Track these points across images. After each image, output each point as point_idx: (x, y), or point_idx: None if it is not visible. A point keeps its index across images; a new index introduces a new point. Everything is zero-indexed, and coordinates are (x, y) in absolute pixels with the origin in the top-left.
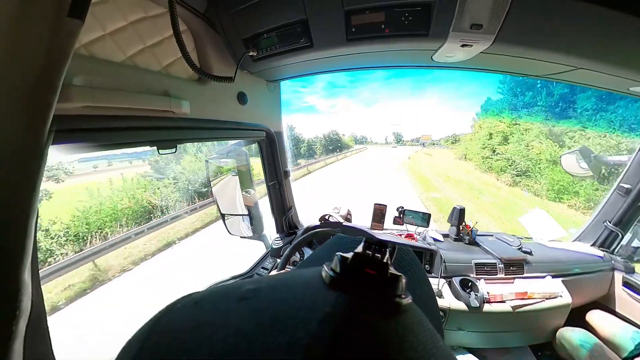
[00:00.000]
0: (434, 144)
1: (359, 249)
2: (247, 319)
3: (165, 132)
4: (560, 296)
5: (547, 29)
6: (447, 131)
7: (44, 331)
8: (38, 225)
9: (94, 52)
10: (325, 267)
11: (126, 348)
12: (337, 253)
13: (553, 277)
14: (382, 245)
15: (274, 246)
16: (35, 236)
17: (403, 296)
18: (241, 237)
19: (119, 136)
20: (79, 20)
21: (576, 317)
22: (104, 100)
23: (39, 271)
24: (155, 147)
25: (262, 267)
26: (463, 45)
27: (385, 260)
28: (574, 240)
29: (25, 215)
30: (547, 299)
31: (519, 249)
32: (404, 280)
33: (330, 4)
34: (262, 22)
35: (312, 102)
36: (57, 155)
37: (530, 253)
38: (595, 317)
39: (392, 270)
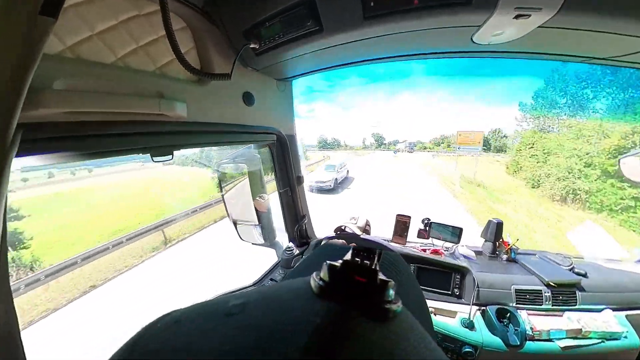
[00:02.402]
0: (424, 147)
1: (348, 256)
2: (232, 338)
3: (160, 138)
4: (625, 337)
5: None
6: (434, 133)
7: (15, 348)
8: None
9: (80, 54)
10: (314, 276)
11: None
12: (325, 261)
13: (614, 310)
14: (371, 251)
15: (285, 257)
16: (4, 252)
17: (393, 302)
18: (253, 244)
19: (108, 143)
20: (51, 18)
21: None
22: (89, 105)
23: (10, 286)
24: (148, 155)
25: (271, 279)
26: (518, 17)
27: (374, 267)
28: None
29: None
30: (607, 339)
31: (570, 269)
32: (393, 285)
33: None
34: (263, 8)
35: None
36: (35, 165)
37: (585, 275)
38: None
39: (381, 276)
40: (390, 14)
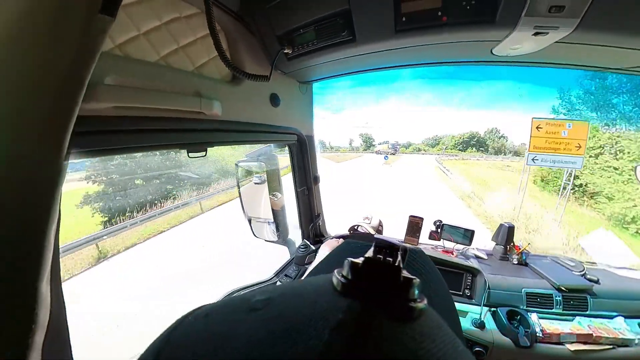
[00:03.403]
0: (418, 148)
1: (369, 253)
2: (257, 330)
3: (196, 135)
4: (637, 344)
5: None
6: (426, 133)
7: (64, 343)
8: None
9: (128, 52)
10: (335, 273)
11: None
12: (347, 259)
13: (626, 318)
14: (393, 248)
15: (299, 254)
16: (57, 245)
17: (418, 300)
18: (266, 240)
19: (149, 138)
20: (110, 17)
21: None
22: (136, 100)
23: (61, 282)
24: (185, 150)
25: (286, 275)
26: (536, 34)
27: (397, 264)
28: None
29: (44, 223)
30: (618, 346)
31: (582, 274)
32: (417, 283)
33: None
34: (299, 16)
35: None
36: (87, 157)
37: (597, 282)
38: None
39: (405, 273)
40: (420, 29)
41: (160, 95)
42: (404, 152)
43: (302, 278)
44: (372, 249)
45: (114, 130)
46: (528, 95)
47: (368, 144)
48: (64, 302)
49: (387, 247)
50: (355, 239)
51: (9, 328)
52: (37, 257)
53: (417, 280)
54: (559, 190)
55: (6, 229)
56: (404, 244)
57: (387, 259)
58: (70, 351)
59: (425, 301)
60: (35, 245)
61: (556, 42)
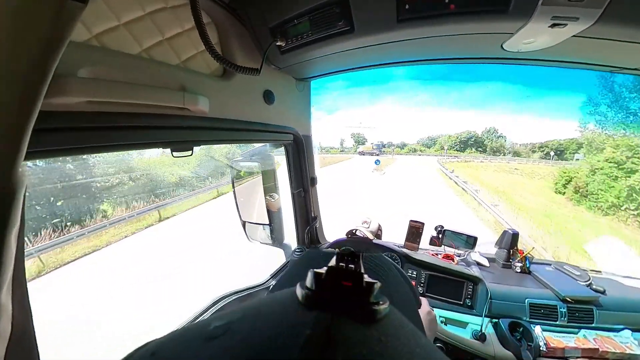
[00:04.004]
0: (414, 149)
1: (332, 262)
2: None
3: (181, 133)
4: None
5: None
6: (420, 134)
7: (30, 352)
8: None
9: (107, 43)
10: (299, 286)
11: None
12: (310, 269)
13: (634, 331)
14: (355, 255)
15: (294, 258)
16: (21, 251)
17: (381, 302)
18: (261, 243)
19: (129, 136)
20: (81, 3)
21: None
22: (112, 95)
23: (27, 289)
24: (168, 149)
25: (278, 281)
26: (553, 25)
27: (359, 270)
28: None
29: (1, 229)
30: None
31: (587, 285)
32: (379, 287)
33: None
34: (292, 5)
35: None
36: (53, 157)
37: (603, 292)
38: None
39: (367, 278)
40: (425, 18)
41: (140, 89)
42: (399, 153)
43: (265, 295)
44: (334, 257)
45: (87, 127)
46: (519, 96)
47: (360, 145)
48: (29, 310)
49: (349, 255)
50: (358, 247)
51: None
52: None
53: (378, 284)
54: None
55: None
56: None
57: (350, 266)
58: (38, 358)
59: (387, 302)
60: None
61: (574, 35)
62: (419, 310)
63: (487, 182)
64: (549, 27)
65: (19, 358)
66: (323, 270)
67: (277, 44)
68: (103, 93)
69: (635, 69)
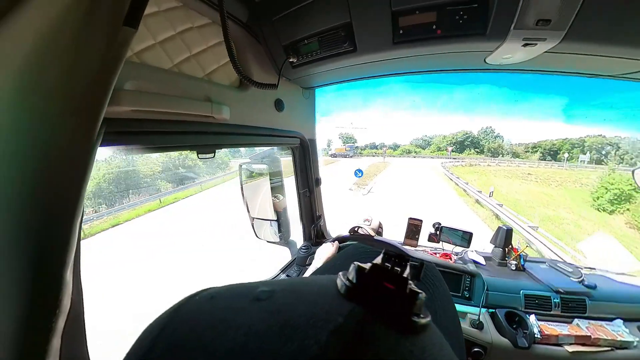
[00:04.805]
0: (407, 150)
1: (378, 260)
2: (258, 320)
3: (206, 137)
4: (636, 347)
5: (630, 21)
6: (415, 134)
7: (81, 329)
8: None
9: (145, 60)
10: (340, 275)
11: (147, 331)
12: (354, 262)
13: (625, 321)
14: (402, 258)
15: (301, 255)
16: (79, 236)
17: (421, 315)
18: (268, 241)
19: (163, 140)
20: (133, 29)
21: None
22: (152, 105)
23: (81, 271)
24: (195, 152)
25: (287, 275)
26: (525, 45)
27: (405, 275)
28: None
29: (71, 215)
30: (617, 348)
31: (579, 281)
32: (424, 298)
33: (377, 4)
34: (304, 28)
35: None
36: (107, 155)
37: (594, 287)
38: None
39: (411, 286)
40: (417, 40)
41: (174, 100)
42: (391, 154)
43: (307, 275)
44: (380, 255)
45: (133, 131)
46: (506, 99)
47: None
48: (82, 290)
49: (397, 256)
50: (361, 242)
51: (35, 312)
52: (64, 247)
53: (423, 295)
54: None
55: (38, 220)
56: (418, 258)
57: (395, 268)
58: (85, 337)
59: (429, 317)
60: (63, 235)
61: (546, 52)
62: None
63: (505, 192)
64: (522, 46)
65: (72, 332)
66: (367, 265)
67: (290, 60)
68: (145, 103)
69: (609, 75)
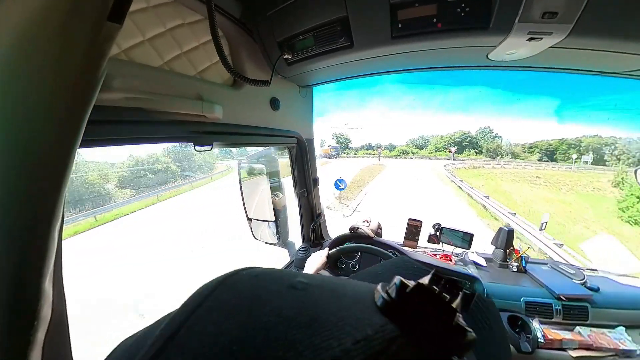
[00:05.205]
0: (405, 151)
1: (425, 280)
2: (290, 307)
3: (198, 138)
4: (639, 354)
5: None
6: (411, 134)
7: (64, 339)
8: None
9: (133, 57)
10: (380, 287)
11: (197, 293)
12: (397, 276)
13: (628, 328)
14: (454, 284)
15: (299, 257)
16: (60, 242)
17: (464, 358)
18: (266, 242)
19: (156, 130)
20: (117, 24)
21: None
22: (141, 103)
23: (63, 279)
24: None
25: None
26: (530, 39)
27: (454, 305)
28: None
29: (49, 219)
30: (619, 357)
31: (582, 284)
32: (472, 338)
33: None
34: (298, 23)
35: None
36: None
37: (597, 290)
38: None
39: (459, 320)
40: (416, 35)
41: (164, 98)
42: (387, 155)
43: (346, 277)
44: (428, 276)
45: (123, 120)
46: (500, 99)
47: (343, 147)
48: (64, 299)
49: (448, 282)
50: (376, 248)
51: (11, 325)
52: (42, 254)
53: (472, 335)
54: None
55: (13, 225)
56: (472, 287)
57: (444, 294)
58: (70, 347)
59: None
60: (41, 241)
61: (551, 47)
62: None
63: (519, 200)
64: (526, 40)
65: (55, 344)
66: (411, 283)
67: (285, 57)
68: (132, 102)
69: (615, 73)
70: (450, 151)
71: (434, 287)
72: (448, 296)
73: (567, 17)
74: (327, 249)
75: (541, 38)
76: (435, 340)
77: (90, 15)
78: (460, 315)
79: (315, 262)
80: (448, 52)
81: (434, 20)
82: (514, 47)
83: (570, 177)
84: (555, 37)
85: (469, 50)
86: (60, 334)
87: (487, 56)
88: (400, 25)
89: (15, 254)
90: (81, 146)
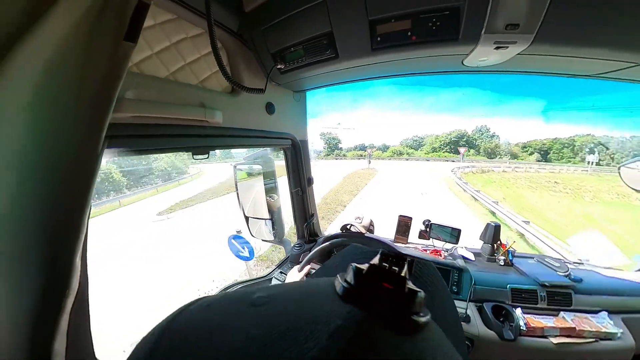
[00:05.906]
0: (399, 152)
1: (375, 260)
2: (257, 325)
3: (200, 140)
4: (620, 338)
5: (597, 23)
6: (405, 134)
7: (85, 309)
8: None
9: (143, 69)
10: (338, 277)
11: (140, 346)
12: (351, 263)
13: (610, 313)
14: (400, 258)
15: (294, 252)
16: (87, 227)
17: (421, 314)
18: (263, 240)
19: (161, 142)
20: (132, 43)
21: None
22: (150, 111)
23: (87, 257)
24: (190, 153)
25: (282, 272)
26: (497, 48)
27: (403, 274)
28: None
29: (82, 208)
30: (601, 339)
31: (566, 275)
32: (422, 297)
33: (355, 15)
34: (290, 36)
35: None
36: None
37: (579, 281)
38: None
39: (410, 285)
40: (394, 46)
41: (171, 107)
42: (380, 157)
43: (304, 280)
44: (377, 256)
45: (134, 135)
46: (489, 100)
47: (332, 148)
48: (87, 274)
49: (394, 256)
50: (368, 245)
51: (49, 293)
52: (75, 236)
53: (422, 294)
54: None
55: (55, 213)
56: (411, 255)
57: (393, 268)
58: (89, 315)
59: (429, 316)
60: (75, 225)
61: (519, 54)
62: None
63: (558, 218)
64: (494, 49)
65: (78, 311)
66: (364, 266)
67: (278, 67)
68: (143, 110)
69: (587, 75)
70: (460, 151)
71: (384, 264)
72: (397, 268)
73: (528, 28)
74: (307, 267)
75: (507, 47)
76: (395, 308)
77: (109, 36)
78: (409, 280)
79: (293, 275)
80: (425, 60)
81: (409, 33)
82: (485, 55)
83: (589, 181)
84: (520, 46)
85: (445, 58)
86: (82, 304)
87: (462, 62)
88: (379, 39)
89: (55, 235)
90: (105, 156)
